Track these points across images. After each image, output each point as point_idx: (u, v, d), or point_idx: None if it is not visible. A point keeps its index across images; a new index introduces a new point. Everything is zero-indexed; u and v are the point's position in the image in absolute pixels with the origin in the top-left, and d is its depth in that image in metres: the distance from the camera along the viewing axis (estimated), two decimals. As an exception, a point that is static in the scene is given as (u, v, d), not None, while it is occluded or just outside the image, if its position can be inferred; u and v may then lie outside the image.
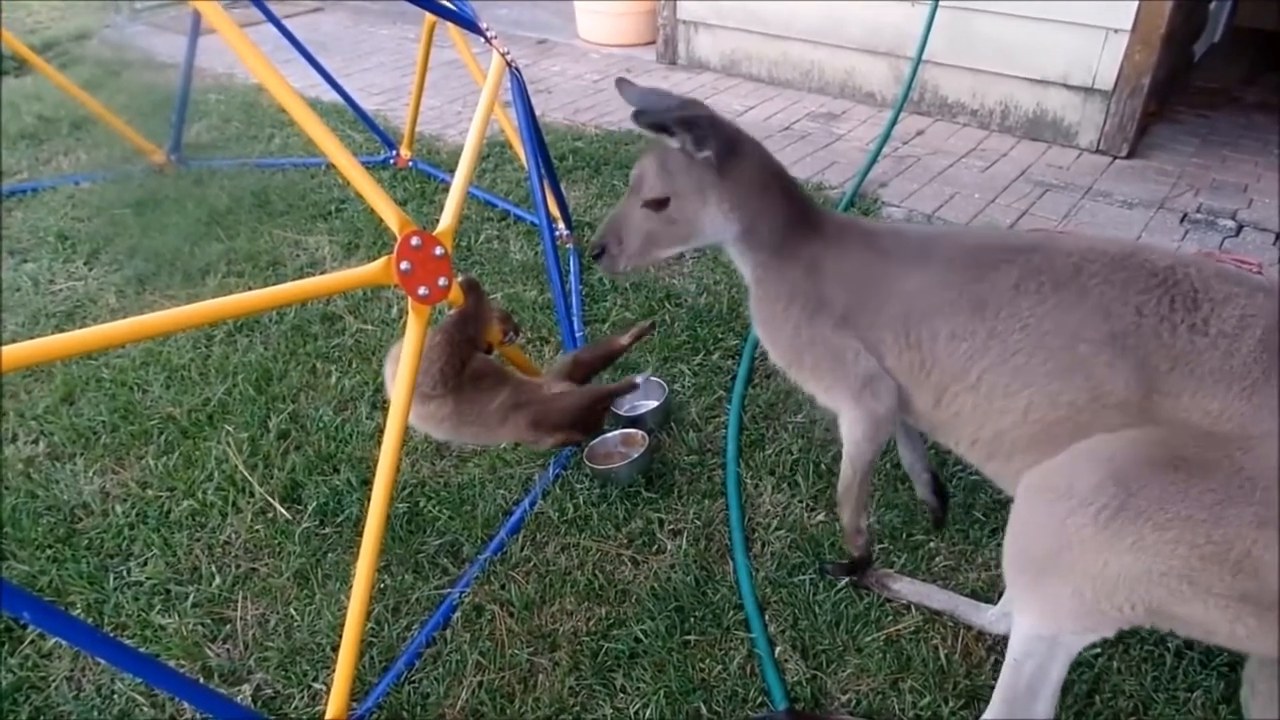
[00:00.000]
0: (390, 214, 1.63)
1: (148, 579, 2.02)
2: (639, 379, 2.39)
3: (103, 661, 1.82)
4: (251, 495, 2.24)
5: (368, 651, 1.85)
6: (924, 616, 1.88)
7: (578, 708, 1.74)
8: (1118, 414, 1.30)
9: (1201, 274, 1.31)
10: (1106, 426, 1.31)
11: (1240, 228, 3.46)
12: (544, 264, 2.99)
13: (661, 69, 5.49)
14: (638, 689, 1.76)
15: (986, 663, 1.79)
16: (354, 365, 2.71)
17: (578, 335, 2.69)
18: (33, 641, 1.89)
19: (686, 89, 5.04)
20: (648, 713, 1.70)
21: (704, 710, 1.71)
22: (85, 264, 3.34)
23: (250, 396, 2.56)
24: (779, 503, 2.18)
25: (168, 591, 2.00)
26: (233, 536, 2.14)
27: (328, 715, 1.63)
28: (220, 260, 3.31)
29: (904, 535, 2.07)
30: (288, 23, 4.01)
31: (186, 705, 1.75)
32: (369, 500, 1.67)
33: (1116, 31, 3.90)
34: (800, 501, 2.17)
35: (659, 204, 1.62)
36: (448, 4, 2.69)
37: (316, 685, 1.79)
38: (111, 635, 1.87)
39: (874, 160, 3.88)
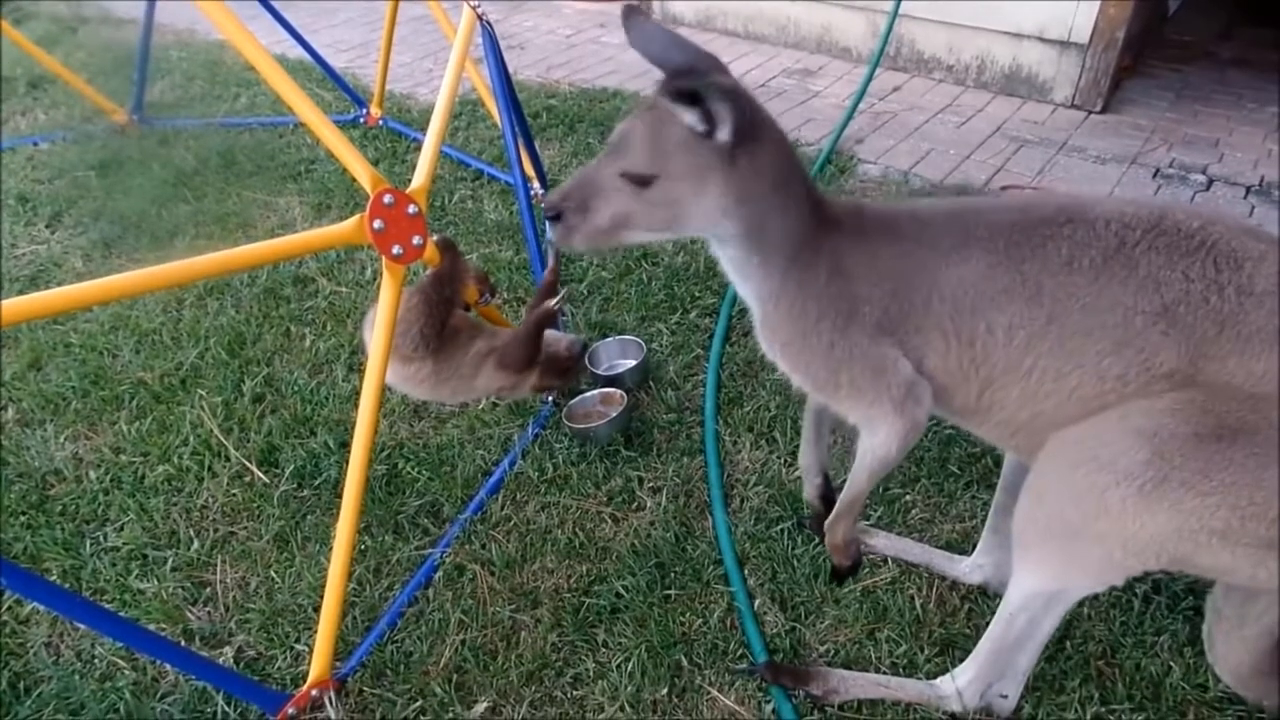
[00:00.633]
0: (362, 171, 1.60)
1: (124, 544, 2.01)
2: (613, 339, 2.38)
3: (82, 626, 1.82)
4: (227, 459, 2.22)
5: (350, 612, 1.85)
6: (900, 569, 1.91)
7: (560, 663, 1.76)
8: (1164, 383, 1.26)
9: (1231, 232, 1.27)
10: (1148, 395, 1.27)
11: (1211, 182, 3.49)
12: (519, 223, 2.96)
13: (636, 24, 5.39)
14: (619, 644, 1.78)
15: (961, 611, 1.83)
16: (328, 328, 2.68)
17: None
18: (10, 608, 1.88)
19: (661, 45, 4.96)
20: (629, 666, 1.72)
21: (685, 663, 1.74)
22: (48, 227, 3.27)
23: (223, 360, 2.53)
24: (757, 459, 2.20)
25: (145, 556, 1.99)
26: (210, 501, 2.12)
27: (311, 675, 1.64)
28: (188, 223, 3.25)
29: (880, 489, 2.10)
30: (251, -24, 3.90)
31: (168, 668, 1.75)
32: (347, 463, 1.67)
33: (1092, -16, 3.89)
34: (778, 457, 2.19)
35: (642, 180, 1.32)
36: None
37: (299, 646, 1.80)
38: (90, 600, 1.86)
39: (850, 117, 3.86)
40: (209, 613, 1.88)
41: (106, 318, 2.73)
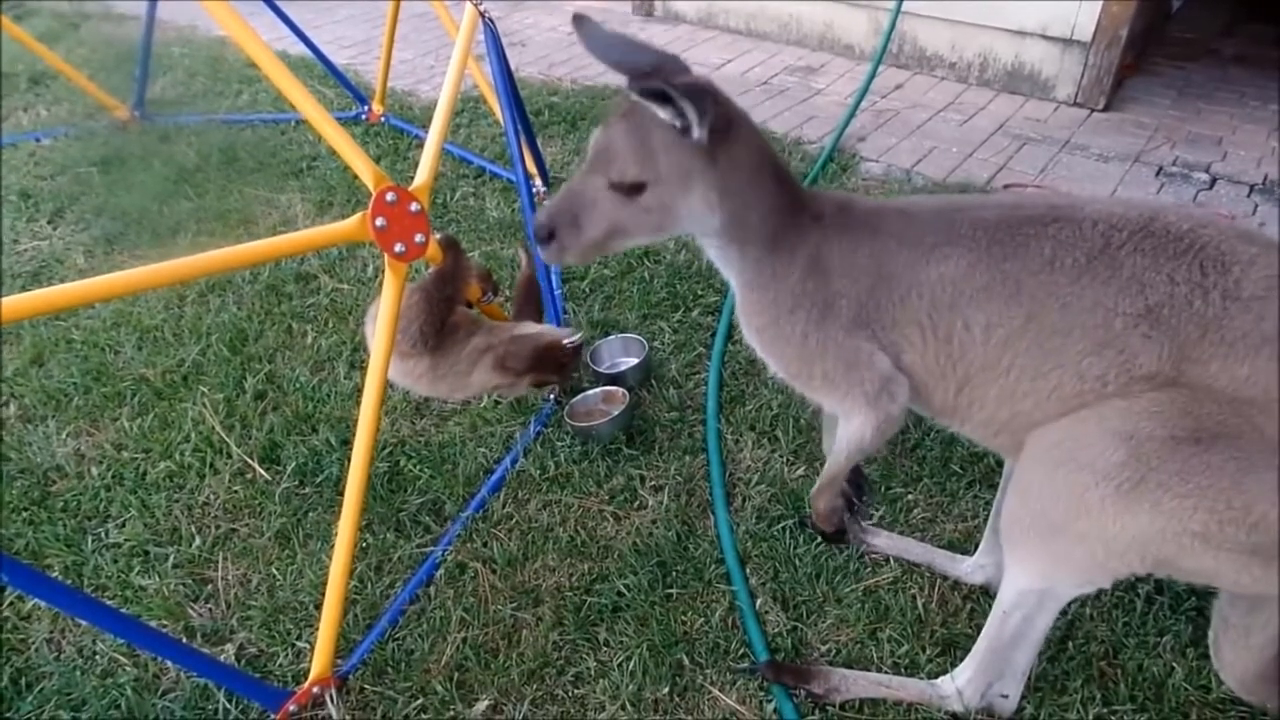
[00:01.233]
0: (365, 169, 1.60)
1: (126, 540, 2.00)
2: (615, 337, 2.38)
3: (84, 622, 1.82)
4: (229, 456, 2.22)
5: (351, 609, 1.85)
6: (902, 568, 1.91)
7: (561, 661, 1.76)
8: (1144, 384, 1.26)
9: (1222, 235, 1.26)
10: (1128, 395, 1.27)
11: (1214, 180, 3.48)
12: (521, 221, 2.96)
13: (638, 21, 5.40)
14: (620, 642, 1.78)
15: (963, 611, 1.82)
16: (330, 325, 2.68)
17: (556, 293, 2.67)
18: (11, 604, 1.88)
19: (663, 42, 4.96)
20: (630, 665, 1.72)
21: (686, 662, 1.74)
22: (50, 223, 3.26)
23: (225, 357, 2.53)
24: (759, 458, 2.19)
25: (147, 553, 1.99)
26: (211, 497, 2.12)
27: (312, 672, 1.64)
28: (190, 219, 3.24)
29: (883, 488, 2.10)
30: (253, -28, 3.89)
31: (170, 664, 1.75)
32: (348, 460, 1.66)
33: (1096, -18, 3.88)
34: (780, 456, 2.19)
35: (633, 189, 1.33)
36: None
37: (300, 643, 1.80)
38: (92, 596, 1.86)
39: (852, 114, 3.86)
40: (210, 610, 1.88)
41: (108, 314, 2.73)
